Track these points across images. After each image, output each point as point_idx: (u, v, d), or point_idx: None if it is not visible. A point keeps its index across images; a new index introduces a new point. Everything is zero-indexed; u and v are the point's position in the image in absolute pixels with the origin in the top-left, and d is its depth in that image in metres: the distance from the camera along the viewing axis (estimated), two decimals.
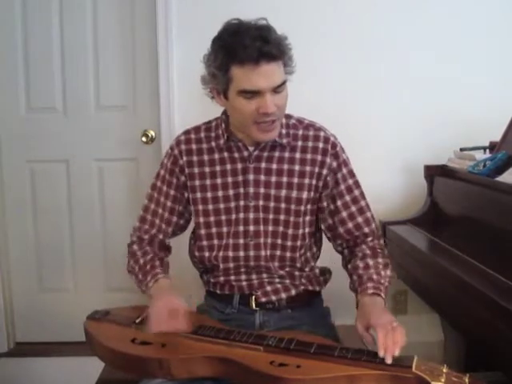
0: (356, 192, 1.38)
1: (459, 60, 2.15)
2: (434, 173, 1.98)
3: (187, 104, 2.13)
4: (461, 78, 2.15)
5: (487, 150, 1.91)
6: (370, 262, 1.32)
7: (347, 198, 1.37)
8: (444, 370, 1.00)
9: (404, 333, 1.07)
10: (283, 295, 1.37)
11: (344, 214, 1.37)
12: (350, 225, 1.37)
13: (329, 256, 1.49)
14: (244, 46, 1.15)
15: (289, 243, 1.36)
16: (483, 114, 2.07)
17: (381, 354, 1.03)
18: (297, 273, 1.39)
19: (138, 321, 1.25)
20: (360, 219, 1.37)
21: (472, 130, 2.00)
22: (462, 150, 1.95)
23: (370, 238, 1.38)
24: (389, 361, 1.02)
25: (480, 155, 1.84)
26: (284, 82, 1.23)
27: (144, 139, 2.22)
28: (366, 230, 1.38)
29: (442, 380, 0.97)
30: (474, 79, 2.15)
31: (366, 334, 1.14)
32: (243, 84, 1.19)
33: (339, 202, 1.37)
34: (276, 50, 1.18)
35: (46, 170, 2.30)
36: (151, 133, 2.22)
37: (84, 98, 2.24)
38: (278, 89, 1.21)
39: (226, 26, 1.23)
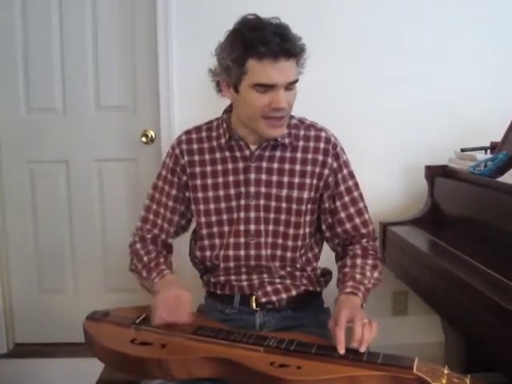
0: (355, 193, 1.39)
1: (460, 60, 2.15)
2: (434, 173, 1.98)
3: (187, 104, 2.12)
4: (462, 78, 2.15)
5: (488, 151, 1.91)
6: (358, 261, 1.33)
7: (346, 199, 1.38)
8: (445, 372, 0.99)
9: (377, 326, 1.09)
10: (284, 295, 1.37)
11: (342, 214, 1.38)
12: (348, 226, 1.38)
13: (329, 256, 1.48)
14: (264, 41, 1.17)
15: (290, 243, 1.36)
16: (484, 114, 2.07)
17: (355, 345, 1.06)
18: (298, 273, 1.39)
19: (137, 321, 1.25)
20: (358, 220, 1.38)
21: (473, 130, 2.00)
22: (462, 150, 1.95)
23: (365, 239, 1.39)
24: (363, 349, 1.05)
25: (481, 156, 1.84)
26: (297, 80, 1.25)
27: (144, 139, 2.21)
28: (363, 231, 1.39)
29: (443, 381, 0.96)
30: (475, 79, 2.15)
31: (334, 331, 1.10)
32: (260, 78, 1.20)
33: (338, 203, 1.38)
34: (295, 48, 1.22)
35: (46, 171, 2.30)
36: (151, 133, 2.22)
37: (84, 98, 2.23)
38: (290, 85, 1.24)
39: (244, 20, 1.24)
